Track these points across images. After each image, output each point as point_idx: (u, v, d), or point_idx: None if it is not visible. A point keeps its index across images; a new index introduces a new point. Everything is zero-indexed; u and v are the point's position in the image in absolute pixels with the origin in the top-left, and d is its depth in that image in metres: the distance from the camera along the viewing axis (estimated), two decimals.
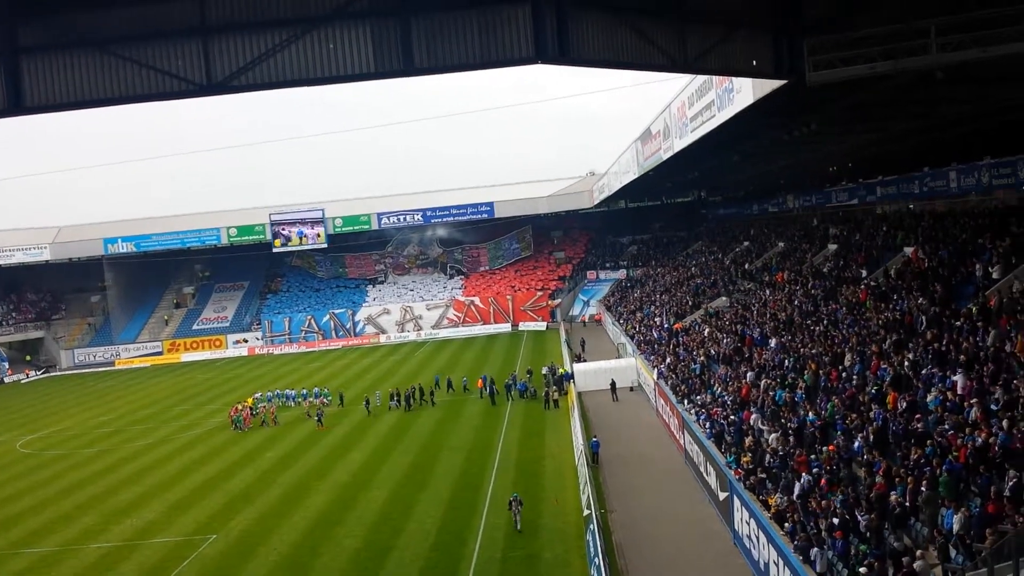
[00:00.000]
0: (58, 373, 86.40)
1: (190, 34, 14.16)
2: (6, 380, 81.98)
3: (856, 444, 21.24)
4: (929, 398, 20.81)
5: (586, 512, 25.27)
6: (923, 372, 22.56)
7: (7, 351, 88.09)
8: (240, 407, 47.69)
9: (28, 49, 14.22)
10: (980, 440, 17.46)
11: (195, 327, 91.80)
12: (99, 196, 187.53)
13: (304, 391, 52.73)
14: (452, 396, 49.42)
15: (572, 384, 45.11)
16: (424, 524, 27.64)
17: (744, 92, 22.47)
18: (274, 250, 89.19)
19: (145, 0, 13.86)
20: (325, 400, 50.27)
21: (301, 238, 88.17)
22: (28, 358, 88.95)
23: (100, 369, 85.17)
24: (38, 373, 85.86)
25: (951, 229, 33.17)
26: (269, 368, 73.35)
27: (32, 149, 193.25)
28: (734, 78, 22.71)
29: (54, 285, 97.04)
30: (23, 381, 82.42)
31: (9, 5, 13.78)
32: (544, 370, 48.97)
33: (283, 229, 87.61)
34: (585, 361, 52.52)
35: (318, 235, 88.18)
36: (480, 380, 49.30)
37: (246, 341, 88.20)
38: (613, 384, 44.09)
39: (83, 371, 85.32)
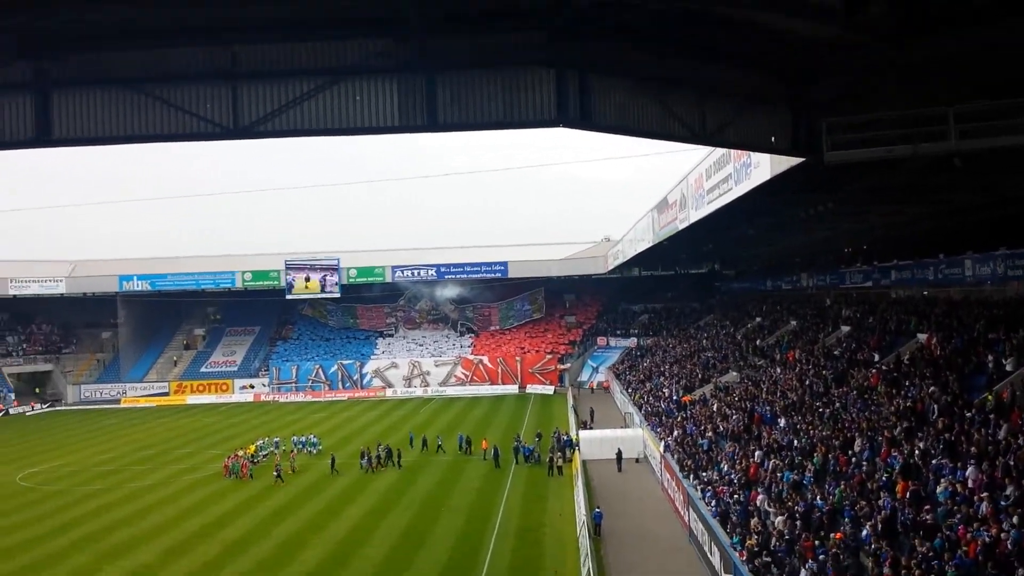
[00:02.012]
0: (63, 407, 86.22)
1: (220, 78, 14.44)
2: (11, 412, 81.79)
3: (864, 532, 20.71)
4: (939, 489, 20.38)
5: None
6: (933, 462, 22.14)
7: (15, 382, 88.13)
8: (241, 454, 47.25)
9: (59, 83, 14.48)
10: (990, 536, 17.03)
11: (203, 369, 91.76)
12: (115, 234, 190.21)
13: (294, 439, 52.21)
14: (425, 456, 48.58)
15: (577, 451, 44.47)
16: None
17: (762, 167, 22.62)
18: (287, 296, 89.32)
19: (178, 43, 14.14)
20: (311, 450, 49.94)
21: (311, 282, 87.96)
22: (37, 391, 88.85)
23: (106, 406, 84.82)
24: (43, 406, 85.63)
25: (965, 318, 32.91)
26: (275, 415, 72.94)
27: (50, 183, 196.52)
28: (752, 153, 22.91)
29: (66, 319, 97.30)
30: (28, 413, 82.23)
31: (42, 41, 14.00)
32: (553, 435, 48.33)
33: (297, 276, 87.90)
34: (592, 429, 51.91)
35: (333, 284, 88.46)
36: (483, 441, 48.65)
37: (252, 387, 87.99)
38: (619, 454, 43.39)
39: (89, 407, 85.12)
